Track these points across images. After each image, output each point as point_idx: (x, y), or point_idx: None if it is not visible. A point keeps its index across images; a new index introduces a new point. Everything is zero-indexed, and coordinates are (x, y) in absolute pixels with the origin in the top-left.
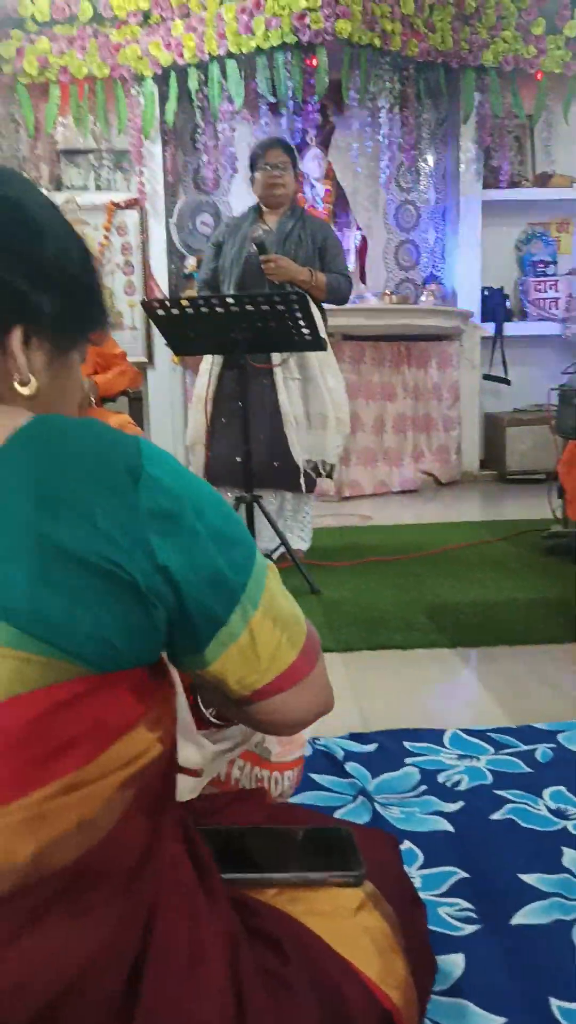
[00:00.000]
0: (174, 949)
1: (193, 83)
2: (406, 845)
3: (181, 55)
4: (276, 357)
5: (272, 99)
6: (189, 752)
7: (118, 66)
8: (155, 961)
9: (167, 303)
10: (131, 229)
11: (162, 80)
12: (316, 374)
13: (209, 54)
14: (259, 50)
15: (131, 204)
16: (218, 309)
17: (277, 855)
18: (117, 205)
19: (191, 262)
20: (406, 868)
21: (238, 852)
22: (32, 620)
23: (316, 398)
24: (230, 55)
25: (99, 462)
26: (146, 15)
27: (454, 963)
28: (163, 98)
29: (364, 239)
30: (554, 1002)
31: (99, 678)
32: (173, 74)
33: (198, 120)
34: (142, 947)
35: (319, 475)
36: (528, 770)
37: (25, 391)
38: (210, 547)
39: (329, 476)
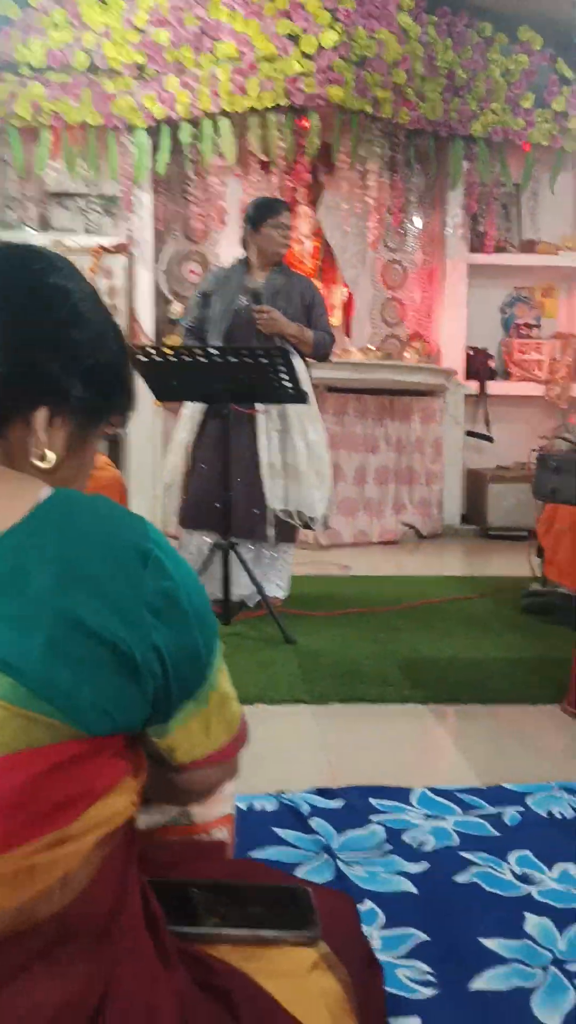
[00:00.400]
0: (130, 1008)
1: (185, 137)
2: (368, 905)
3: (174, 109)
4: (259, 406)
5: (264, 157)
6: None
7: (111, 115)
8: (112, 1019)
9: (150, 350)
10: (118, 273)
11: (155, 131)
12: (296, 426)
13: (202, 110)
14: (252, 110)
15: (119, 249)
16: (202, 359)
17: (233, 911)
18: (105, 249)
19: (177, 308)
20: (367, 928)
21: (195, 906)
22: (43, 684)
23: (295, 450)
24: (223, 113)
25: (114, 542)
26: (141, 68)
27: None
28: (155, 148)
29: (350, 295)
30: None
31: (92, 742)
32: (165, 127)
33: (189, 172)
34: (100, 1004)
35: (302, 527)
36: (495, 833)
37: (43, 465)
38: (194, 628)
39: (308, 527)
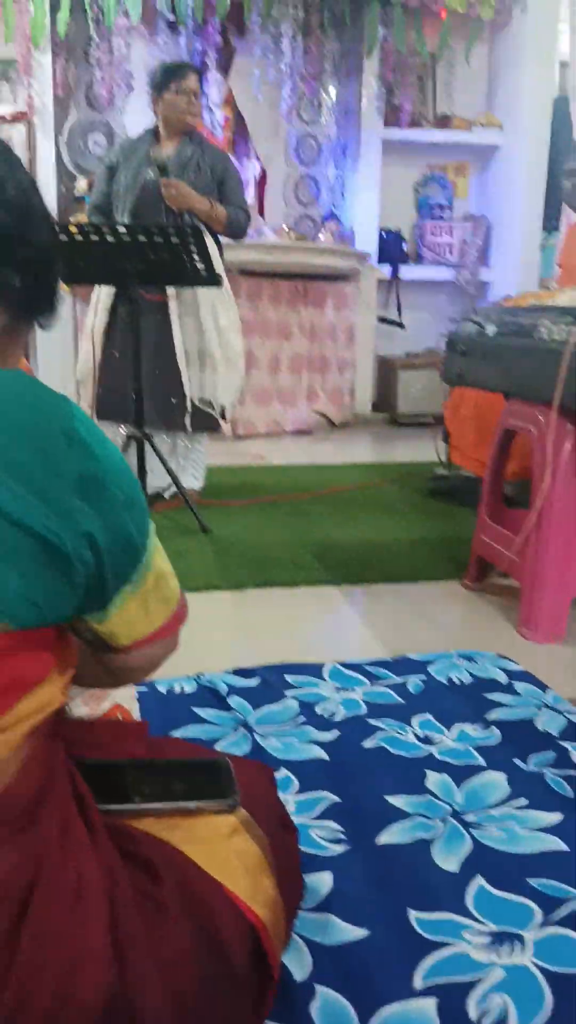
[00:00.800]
0: (60, 883)
1: None
2: (283, 773)
3: None
4: (170, 290)
5: (171, 17)
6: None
7: None
8: (42, 895)
9: (54, 228)
10: (16, 144)
11: None
12: (207, 311)
13: None
14: None
15: (17, 118)
16: (109, 238)
17: (156, 786)
18: (2, 118)
19: (82, 184)
20: (282, 794)
21: (119, 784)
22: None
23: (205, 336)
24: None
25: (38, 424)
26: None
27: (322, 881)
28: (55, 8)
29: (263, 171)
30: (412, 913)
31: (19, 635)
32: None
33: (92, 33)
34: (32, 880)
35: (217, 416)
36: (400, 701)
37: None
38: (124, 513)
39: (223, 417)
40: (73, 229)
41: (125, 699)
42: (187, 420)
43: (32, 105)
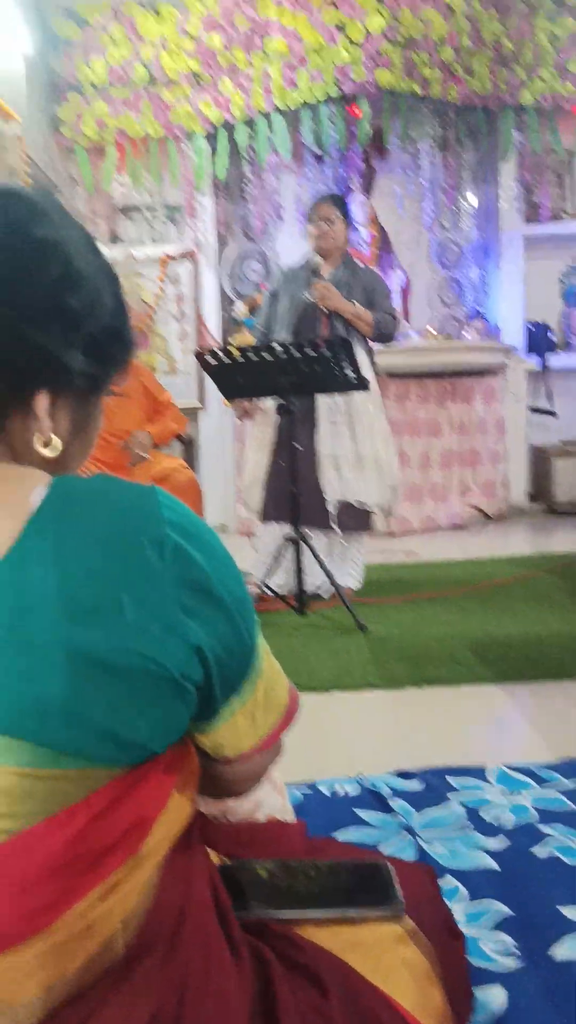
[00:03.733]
0: (205, 1006)
1: (242, 138)
2: (450, 881)
3: (230, 112)
4: (320, 398)
5: (317, 150)
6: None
7: (171, 124)
8: (190, 1020)
9: (217, 353)
10: (184, 279)
11: (212, 137)
12: (358, 416)
13: (256, 110)
14: (304, 104)
15: (184, 256)
16: (267, 357)
17: (316, 890)
18: (171, 257)
19: (240, 308)
20: (449, 903)
21: (277, 887)
22: (68, 740)
23: (358, 440)
24: (276, 110)
25: (122, 540)
26: (196, 75)
27: (495, 996)
28: (213, 152)
29: (407, 279)
30: None
31: (135, 773)
32: (223, 130)
33: (246, 172)
34: (178, 1013)
35: (372, 516)
36: (572, 807)
37: (48, 453)
38: (233, 615)
39: (386, 514)
40: (235, 352)
41: (276, 810)
42: (332, 520)
43: (197, 243)
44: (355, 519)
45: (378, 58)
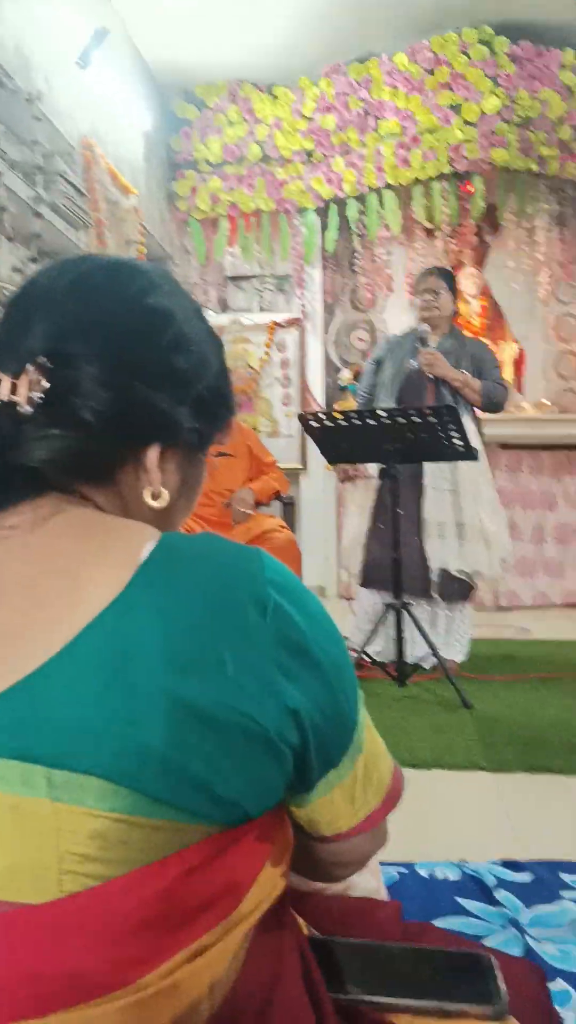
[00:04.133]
0: None
1: (352, 213)
2: (560, 984)
3: (341, 188)
4: (426, 465)
5: (428, 224)
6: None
7: (283, 200)
8: None
9: (320, 416)
10: (290, 345)
11: (323, 211)
12: (466, 484)
13: (368, 186)
14: (416, 180)
15: (291, 323)
16: (370, 422)
17: (412, 977)
18: (279, 324)
19: (345, 374)
20: (560, 1009)
21: (370, 969)
22: (165, 788)
23: (464, 509)
24: (388, 186)
25: (225, 596)
26: (309, 153)
27: None
28: (323, 227)
29: (521, 351)
30: None
31: (229, 834)
32: (333, 205)
33: (356, 246)
34: None
35: (475, 586)
36: None
37: (157, 504)
38: (332, 682)
39: (494, 586)
40: (338, 416)
41: (369, 892)
42: (432, 588)
43: (305, 312)
44: (457, 589)
45: (493, 137)
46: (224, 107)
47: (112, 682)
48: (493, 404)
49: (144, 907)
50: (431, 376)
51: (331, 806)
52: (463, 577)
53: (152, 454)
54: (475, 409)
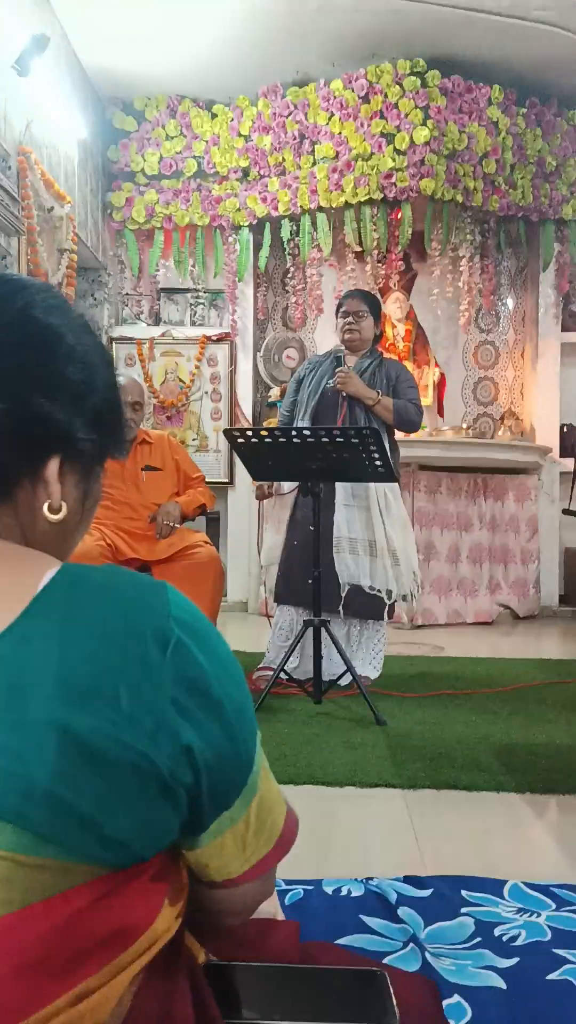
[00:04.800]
0: None
1: (286, 233)
2: (455, 999)
3: (276, 208)
4: (339, 486)
5: (358, 248)
6: None
7: (217, 216)
8: None
9: (247, 432)
10: (221, 360)
11: (257, 229)
12: (377, 506)
13: (301, 207)
14: (348, 204)
15: (222, 338)
16: (295, 440)
17: (307, 998)
18: (209, 339)
19: (275, 392)
20: (454, 1023)
21: (267, 993)
22: (51, 826)
23: (375, 528)
24: (320, 209)
25: (126, 630)
26: (245, 172)
27: None
28: (257, 245)
29: (443, 375)
30: None
31: (120, 875)
32: (267, 224)
33: (288, 265)
34: None
35: (387, 604)
36: None
37: (55, 518)
38: (232, 725)
39: (404, 599)
40: (264, 433)
41: (266, 914)
42: (342, 605)
43: (235, 327)
44: (368, 606)
45: (422, 167)
46: (163, 120)
47: (1, 715)
48: (405, 423)
49: (25, 950)
50: (344, 395)
51: (222, 850)
52: (375, 594)
53: (52, 466)
54: (394, 431)
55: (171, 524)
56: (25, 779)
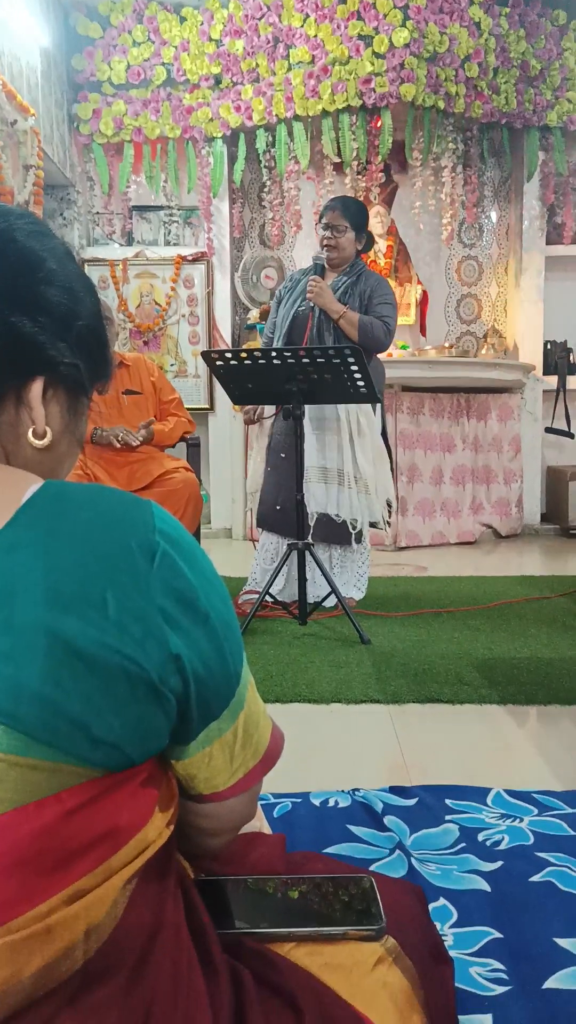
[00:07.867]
0: None
1: (261, 144)
2: (440, 902)
3: (250, 117)
4: (308, 410)
5: (337, 159)
6: None
7: (189, 127)
8: None
9: (225, 354)
10: (197, 282)
11: (231, 141)
12: (347, 433)
13: (277, 116)
14: (325, 112)
15: (198, 258)
16: (275, 361)
17: (295, 906)
18: (185, 259)
19: (254, 313)
20: (439, 925)
21: (256, 903)
22: (41, 727)
23: (344, 455)
24: (297, 117)
25: (111, 541)
26: (217, 79)
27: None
28: (232, 158)
29: (425, 293)
30: None
31: (111, 778)
32: (242, 135)
33: (265, 179)
34: None
35: (353, 532)
36: (572, 833)
37: (39, 444)
38: (216, 634)
39: (374, 526)
40: (243, 355)
41: (251, 828)
42: (311, 533)
43: (211, 246)
44: (335, 532)
45: (402, 71)
46: (129, 26)
47: None
48: (370, 340)
49: (18, 847)
50: (314, 308)
51: (210, 760)
52: (343, 522)
53: (35, 387)
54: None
55: (131, 440)
56: (15, 680)
